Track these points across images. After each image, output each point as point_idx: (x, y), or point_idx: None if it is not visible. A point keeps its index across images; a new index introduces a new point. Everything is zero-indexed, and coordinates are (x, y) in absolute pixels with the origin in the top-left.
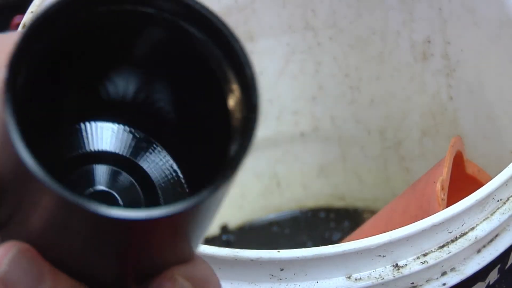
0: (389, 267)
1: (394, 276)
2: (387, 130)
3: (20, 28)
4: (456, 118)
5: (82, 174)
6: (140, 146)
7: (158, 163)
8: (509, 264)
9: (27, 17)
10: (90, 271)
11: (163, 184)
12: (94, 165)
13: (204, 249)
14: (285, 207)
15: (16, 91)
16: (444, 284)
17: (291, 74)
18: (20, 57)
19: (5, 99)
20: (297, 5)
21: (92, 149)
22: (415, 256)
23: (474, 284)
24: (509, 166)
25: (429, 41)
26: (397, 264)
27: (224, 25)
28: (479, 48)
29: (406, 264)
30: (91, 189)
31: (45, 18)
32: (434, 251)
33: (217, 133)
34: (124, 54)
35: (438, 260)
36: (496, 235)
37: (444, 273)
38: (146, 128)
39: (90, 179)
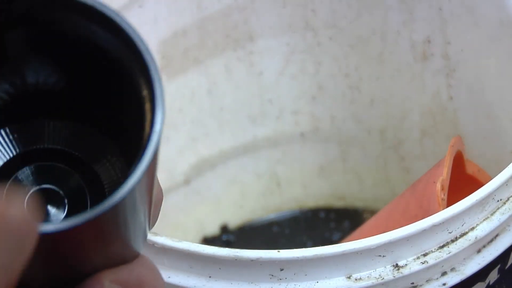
0: (389, 267)
1: (394, 276)
2: (387, 130)
3: None
4: (456, 118)
5: (25, 174)
6: (79, 139)
7: (101, 155)
8: (509, 264)
9: None
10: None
11: (107, 179)
12: (34, 164)
13: (204, 249)
14: (285, 207)
15: None
16: (444, 284)
17: (291, 74)
18: None
19: None
20: (297, 5)
21: (23, 150)
22: (415, 256)
23: (474, 284)
24: (509, 166)
25: (429, 41)
26: (397, 264)
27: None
28: (479, 48)
29: (406, 264)
30: (37, 187)
31: None
32: (434, 251)
33: (134, 125)
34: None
35: (438, 260)
36: (496, 235)
37: (444, 273)
38: (77, 119)
39: (33, 178)
